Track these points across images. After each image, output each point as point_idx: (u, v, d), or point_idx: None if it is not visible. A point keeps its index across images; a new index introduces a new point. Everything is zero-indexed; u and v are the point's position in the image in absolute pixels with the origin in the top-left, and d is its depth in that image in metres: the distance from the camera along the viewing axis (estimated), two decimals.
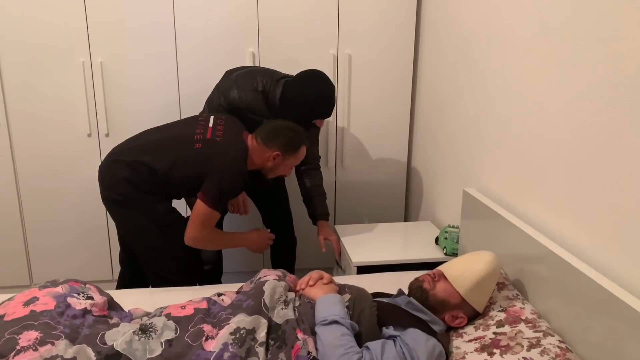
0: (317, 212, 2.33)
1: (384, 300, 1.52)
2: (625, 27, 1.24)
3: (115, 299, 1.80)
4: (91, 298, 1.37)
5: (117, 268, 2.74)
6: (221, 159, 1.87)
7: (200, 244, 1.96)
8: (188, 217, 1.99)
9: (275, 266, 2.53)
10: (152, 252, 2.05)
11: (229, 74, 2.22)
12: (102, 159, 2.55)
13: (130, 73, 2.50)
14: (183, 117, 2.57)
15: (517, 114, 1.75)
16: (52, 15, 2.37)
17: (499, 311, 1.52)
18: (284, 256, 2.48)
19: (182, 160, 1.89)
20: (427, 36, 2.58)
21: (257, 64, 2.57)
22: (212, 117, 2.00)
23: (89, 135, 2.55)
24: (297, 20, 2.54)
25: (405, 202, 2.92)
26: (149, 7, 2.43)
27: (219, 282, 2.38)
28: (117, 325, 1.29)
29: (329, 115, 2.13)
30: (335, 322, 1.30)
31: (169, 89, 2.55)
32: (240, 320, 1.28)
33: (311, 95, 2.04)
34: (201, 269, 2.16)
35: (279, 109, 2.12)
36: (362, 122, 2.75)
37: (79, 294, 1.36)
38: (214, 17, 2.48)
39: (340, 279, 1.92)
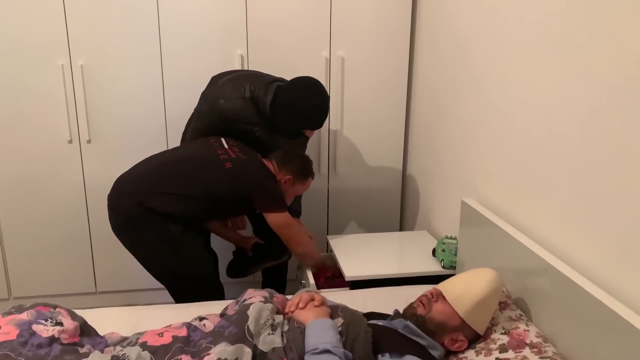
0: (291, 207, 2.25)
1: (380, 323, 1.42)
2: (636, 29, 1.15)
3: (93, 319, 1.70)
4: (60, 324, 1.26)
5: (100, 279, 2.63)
6: (256, 173, 1.91)
7: (311, 251, 2.06)
8: (200, 234, 1.96)
9: (266, 276, 2.43)
10: (170, 277, 1.98)
11: (215, 80, 2.12)
12: (83, 166, 2.46)
13: (113, 77, 2.38)
14: (168, 125, 2.46)
15: (519, 120, 1.65)
16: (29, 16, 2.25)
17: (502, 334, 1.42)
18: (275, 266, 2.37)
19: (218, 182, 1.87)
20: (423, 38, 2.49)
21: (245, 67, 2.46)
22: (222, 139, 2.00)
23: (70, 141, 2.43)
24: (287, 21, 2.43)
25: (400, 209, 2.82)
26: (132, 8, 2.31)
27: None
28: (86, 355, 1.18)
29: (320, 126, 2.04)
30: (327, 351, 1.19)
31: (154, 94, 2.43)
32: (222, 350, 1.17)
33: (304, 105, 1.95)
34: (221, 289, 2.07)
35: (269, 116, 2.02)
36: (356, 127, 2.64)
37: (46, 320, 1.25)
38: (201, 18, 2.37)
39: (332, 296, 1.82)
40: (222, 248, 2.35)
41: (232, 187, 1.88)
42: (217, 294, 2.01)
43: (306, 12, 2.43)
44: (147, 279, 2.63)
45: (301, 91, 1.96)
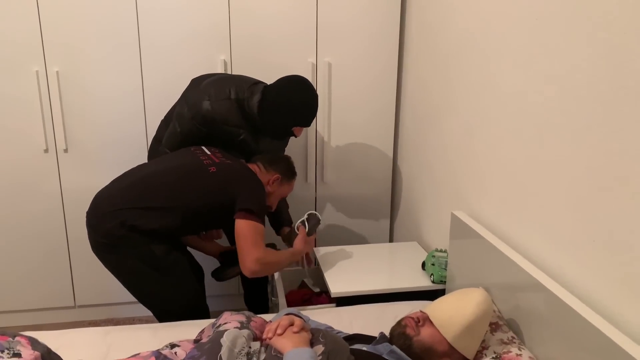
0: (283, 217, 2.22)
1: (364, 348, 1.33)
2: (636, 44, 1.07)
3: (65, 342, 1.61)
4: (18, 355, 1.17)
5: (79, 293, 2.54)
6: (242, 176, 1.85)
7: (264, 267, 1.79)
8: (185, 254, 1.87)
9: (247, 289, 2.34)
10: (154, 300, 1.89)
11: (196, 83, 2.04)
12: (60, 176, 2.37)
13: (90, 83, 2.29)
14: (148, 133, 2.38)
15: (512, 133, 1.57)
16: (1, 20, 2.16)
17: (493, 358, 1.34)
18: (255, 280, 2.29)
19: (204, 188, 1.79)
20: (412, 44, 2.41)
21: (229, 73, 2.37)
22: (203, 147, 1.95)
23: (46, 150, 2.33)
24: (272, 26, 2.35)
25: (390, 219, 2.74)
26: (110, 13, 2.22)
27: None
28: None
29: (310, 124, 2.01)
30: None
31: (133, 101, 2.34)
32: None
33: (295, 102, 1.93)
34: (207, 311, 1.98)
35: (257, 117, 1.97)
36: (344, 134, 2.56)
37: (2, 351, 1.15)
38: (182, 23, 2.28)
39: (317, 314, 1.74)
40: (206, 259, 2.25)
41: (218, 191, 1.79)
42: (202, 316, 1.92)
43: (292, 17, 2.35)
44: (127, 292, 2.52)
45: (291, 88, 1.94)
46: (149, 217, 1.75)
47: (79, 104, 2.31)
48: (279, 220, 2.23)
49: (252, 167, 1.95)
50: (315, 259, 2.19)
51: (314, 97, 1.96)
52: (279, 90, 1.94)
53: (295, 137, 2.06)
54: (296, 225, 2.08)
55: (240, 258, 1.76)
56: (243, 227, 1.75)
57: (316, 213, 2.09)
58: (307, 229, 2.04)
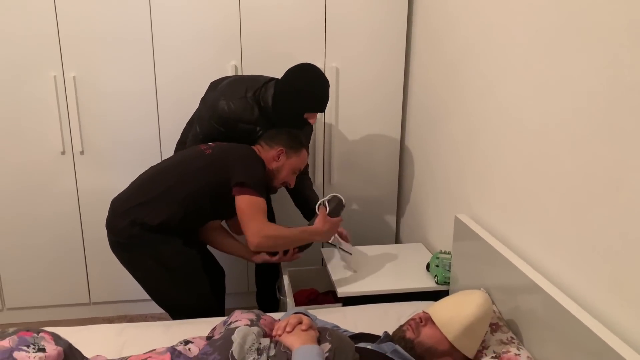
0: (313, 206, 2.15)
1: (369, 347, 1.39)
2: (632, 54, 1.12)
3: (82, 338, 1.69)
4: (43, 350, 1.24)
5: (94, 290, 2.62)
6: (235, 152, 1.88)
7: (268, 240, 1.76)
8: (197, 255, 1.90)
9: (259, 287, 2.41)
10: (164, 298, 1.95)
11: (214, 85, 2.13)
12: (77, 177, 2.45)
13: (106, 88, 2.37)
14: (162, 136, 2.45)
15: (511, 140, 1.62)
16: (21, 27, 2.24)
17: (493, 358, 1.40)
18: (268, 273, 2.36)
19: (199, 169, 1.84)
20: (418, 51, 2.46)
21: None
22: (210, 143, 1.99)
23: (63, 153, 2.42)
24: (281, 32, 2.41)
25: (396, 220, 2.80)
26: (125, 20, 2.30)
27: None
28: None
29: (322, 109, 2.02)
30: None
31: (147, 105, 2.42)
32: None
33: (304, 86, 1.95)
34: (222, 311, 2.02)
35: (271, 109, 2.01)
36: (351, 138, 2.62)
37: (28, 346, 1.23)
38: (195, 30, 2.36)
39: (323, 313, 1.80)
40: (229, 259, 2.32)
41: (212, 170, 1.83)
42: (214, 315, 1.95)
43: (301, 24, 2.41)
44: (140, 290, 2.61)
45: (298, 75, 1.97)
46: (153, 208, 1.79)
47: (94, 108, 2.38)
48: (312, 208, 2.15)
49: (255, 148, 1.98)
50: (323, 259, 2.25)
51: (322, 81, 1.97)
52: (286, 79, 1.98)
53: (311, 125, 2.07)
54: (317, 205, 2.03)
55: (245, 234, 1.78)
56: (240, 202, 1.77)
57: (339, 196, 2.02)
58: (327, 210, 1.98)
